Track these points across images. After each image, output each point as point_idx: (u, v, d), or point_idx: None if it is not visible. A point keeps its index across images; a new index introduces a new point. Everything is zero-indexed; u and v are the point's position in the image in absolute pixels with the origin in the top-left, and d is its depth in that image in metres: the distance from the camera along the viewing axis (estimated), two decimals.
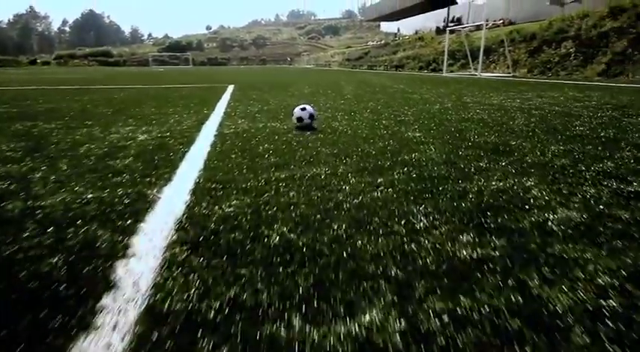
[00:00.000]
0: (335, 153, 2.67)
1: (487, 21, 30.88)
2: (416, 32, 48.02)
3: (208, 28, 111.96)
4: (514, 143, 2.92)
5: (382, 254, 1.26)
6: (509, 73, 15.20)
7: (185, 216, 1.57)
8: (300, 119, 3.81)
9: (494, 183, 1.97)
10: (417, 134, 3.33)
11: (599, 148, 2.71)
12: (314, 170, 2.24)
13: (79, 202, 1.74)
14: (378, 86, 9.85)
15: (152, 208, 1.67)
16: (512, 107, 5.16)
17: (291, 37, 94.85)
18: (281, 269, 1.18)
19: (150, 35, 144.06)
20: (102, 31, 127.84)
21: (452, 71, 19.80)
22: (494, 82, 10.89)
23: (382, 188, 1.91)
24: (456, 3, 35.56)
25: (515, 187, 1.90)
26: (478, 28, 28.32)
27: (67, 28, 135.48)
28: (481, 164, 2.34)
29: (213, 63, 76.56)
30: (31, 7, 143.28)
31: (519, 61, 15.69)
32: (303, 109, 3.86)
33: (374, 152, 2.69)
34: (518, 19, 30.25)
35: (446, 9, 38.74)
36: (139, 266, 1.19)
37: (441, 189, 1.89)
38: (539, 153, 2.61)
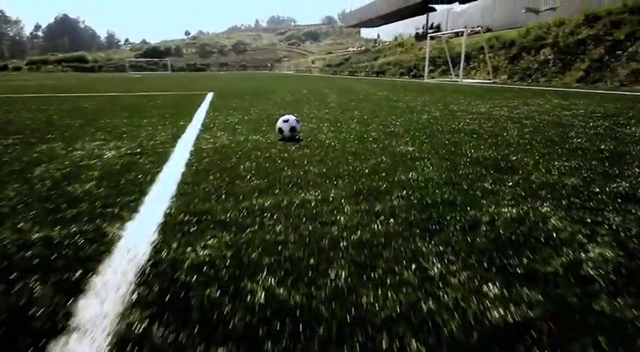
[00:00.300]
0: (324, 172, 2.43)
1: (465, 27, 31.43)
2: (395, 38, 48.53)
3: (187, 33, 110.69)
4: (514, 158, 2.73)
5: (395, 317, 1.01)
6: (490, 80, 15.32)
7: (150, 264, 1.29)
8: (283, 131, 3.58)
9: (505, 209, 1.76)
10: (410, 148, 3.12)
11: (606, 164, 2.54)
12: (302, 195, 1.98)
13: (18, 245, 1.44)
14: (362, 93, 9.68)
15: (110, 252, 1.38)
16: (501, 116, 5.03)
17: (271, 42, 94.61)
18: (269, 346, 0.91)
19: (127, 40, 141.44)
20: (77, 36, 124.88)
21: (433, 77, 19.89)
22: (478, 89, 10.87)
23: (382, 218, 1.67)
24: (435, 10, 36.03)
25: (530, 215, 1.69)
26: (457, 34, 28.75)
27: (40, 33, 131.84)
28: (486, 185, 2.13)
29: (192, 69, 75.64)
30: (1, 11, 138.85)
31: (499, 68, 15.85)
32: (287, 121, 3.62)
33: (366, 170, 2.45)
34: (495, 27, 30.82)
35: (424, 16, 39.28)
36: (81, 349, 0.91)
37: (448, 218, 1.66)
38: (544, 170, 2.42)
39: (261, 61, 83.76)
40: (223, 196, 1.96)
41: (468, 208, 1.78)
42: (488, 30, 29.15)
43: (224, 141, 3.50)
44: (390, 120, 4.81)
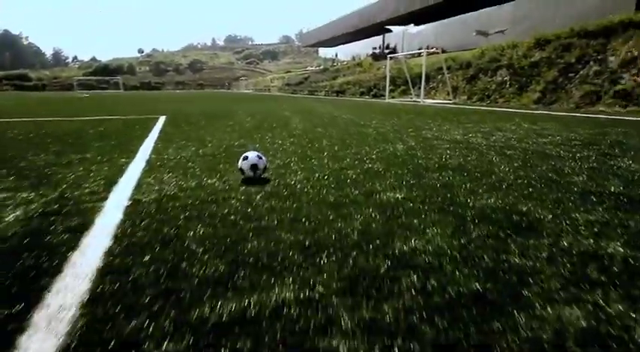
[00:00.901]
0: (301, 240, 1.85)
1: (420, 48, 32.31)
2: (353, 58, 49.37)
3: (140, 51, 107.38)
4: (525, 209, 2.29)
5: None
6: (451, 100, 15.48)
7: None
8: (244, 171, 3.06)
9: (565, 309, 1.26)
10: (399, 195, 2.61)
11: (637, 218, 2.14)
12: (276, 291, 1.39)
13: None
14: (326, 116, 9.24)
15: None
16: (481, 145, 4.69)
17: (228, 61, 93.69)
18: None
19: (75, 58, 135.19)
20: (19, 52, 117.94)
21: (393, 97, 19.99)
22: (441, 111, 10.77)
23: (399, 342, 1.11)
24: (391, 31, 36.94)
25: (599, 318, 1.20)
26: (414, 55, 29.47)
27: None
28: (514, 258, 1.64)
29: (146, 87, 73.13)
30: None
31: (458, 88, 16.08)
32: (246, 158, 3.08)
33: (354, 235, 1.91)
34: (448, 48, 31.99)
35: (381, 36, 40.25)
36: None
37: (488, 335, 1.13)
38: (570, 228, 1.98)
39: (219, 79, 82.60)
40: (159, 303, 1.33)
41: (510, 309, 1.26)
42: (443, 51, 30.17)
43: (172, 188, 2.85)
44: (365, 152, 4.33)
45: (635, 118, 7.91)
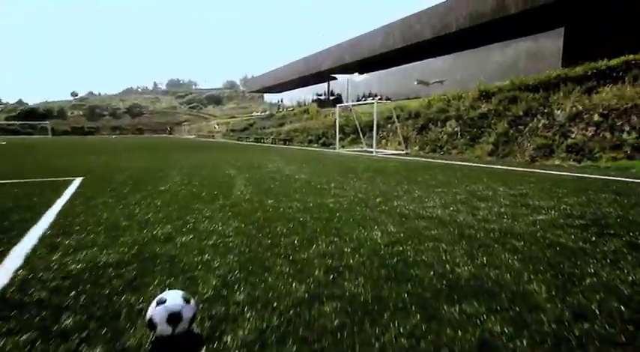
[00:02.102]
0: None
1: (364, 95, 32.94)
2: (299, 104, 49.69)
3: (74, 94, 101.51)
4: None
5: None
6: (403, 151, 15.11)
7: None
8: (156, 325, 1.84)
9: None
10: None
11: None
12: None
13: None
14: (277, 176, 8.10)
15: None
16: (475, 228, 3.76)
17: (170, 105, 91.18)
18: None
19: None
20: None
21: (343, 146, 19.47)
22: (401, 166, 10.09)
23: None
24: (336, 78, 37.62)
25: None
26: (361, 102, 29.83)
27: None
28: None
29: (78, 132, 68.53)
30: None
31: (409, 138, 15.83)
32: (163, 302, 1.87)
33: None
34: (392, 96, 32.94)
35: (326, 83, 40.90)
36: None
37: None
38: None
39: (160, 124, 79.70)
40: None
41: None
42: (388, 99, 30.90)
43: None
44: (336, 248, 3.20)
45: (602, 177, 7.60)
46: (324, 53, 37.49)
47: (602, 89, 11.64)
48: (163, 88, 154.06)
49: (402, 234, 3.64)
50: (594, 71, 12.45)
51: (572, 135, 10.35)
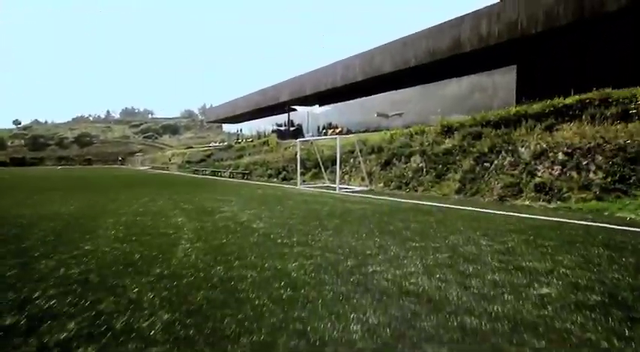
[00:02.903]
0: None
1: (325, 127, 32.69)
2: (259, 135, 48.90)
3: (17, 122, 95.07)
4: None
5: None
6: (367, 187, 14.52)
7: None
8: None
9: None
10: None
11: None
12: None
13: None
14: (232, 226, 7.08)
15: None
16: (470, 311, 2.97)
17: (124, 135, 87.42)
18: None
19: None
20: None
21: (304, 181, 18.69)
22: (370, 208, 9.38)
23: None
24: (295, 110, 37.28)
25: None
26: (321, 134, 29.49)
27: None
28: None
29: (18, 163, 63.63)
30: None
31: (373, 174, 15.31)
32: None
33: None
34: (352, 128, 33.00)
35: (286, 114, 40.51)
36: None
37: None
38: None
39: (111, 154, 75.92)
40: None
41: None
42: (349, 131, 30.78)
43: None
44: None
45: (580, 222, 7.22)
46: (283, 84, 37.31)
47: (562, 126, 11.71)
48: (117, 116, 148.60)
49: (387, 330, 2.78)
50: (552, 109, 12.60)
51: (539, 174, 10.15)
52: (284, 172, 21.06)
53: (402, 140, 15.65)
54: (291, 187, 16.02)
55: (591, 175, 9.18)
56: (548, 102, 13.13)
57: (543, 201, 9.38)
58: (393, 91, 28.91)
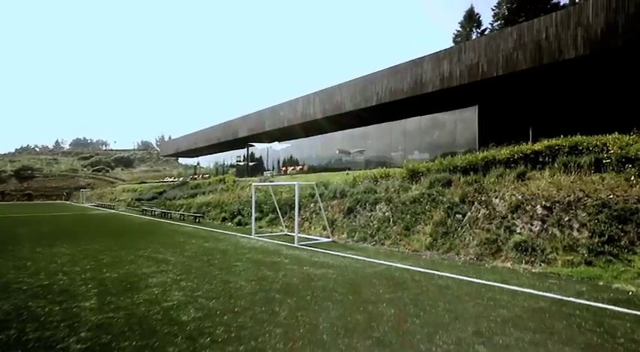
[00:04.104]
0: None
1: (285, 162, 31.42)
2: (217, 170, 46.93)
3: None
4: None
5: None
6: (329, 237, 13.13)
7: None
8: None
9: None
10: None
11: None
12: None
13: None
14: (155, 313, 5.39)
15: None
16: None
17: (71, 168, 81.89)
18: None
19: None
20: None
21: (261, 227, 17.06)
22: (334, 278, 7.94)
23: None
24: (254, 146, 35.95)
25: None
26: (281, 172, 28.13)
27: None
28: None
29: None
30: None
31: (335, 222, 13.98)
32: None
33: None
34: (313, 164, 32.02)
35: (245, 149, 39.01)
36: None
37: None
38: None
39: (56, 189, 70.57)
40: None
41: None
42: (311, 168, 29.67)
43: None
44: None
45: (582, 302, 6.15)
46: (242, 119, 36.04)
47: (534, 174, 11.03)
48: (67, 147, 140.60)
49: None
50: (521, 155, 12.00)
51: (518, 230, 9.20)
52: (239, 216, 19.30)
53: (366, 184, 14.55)
54: (245, 237, 14.33)
55: (575, 234, 8.30)
56: (516, 147, 12.56)
57: (526, 263, 8.37)
58: (356, 129, 28.40)
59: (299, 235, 13.63)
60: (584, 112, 20.09)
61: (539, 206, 9.28)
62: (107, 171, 79.46)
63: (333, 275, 7.84)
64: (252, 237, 14.19)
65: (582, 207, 8.61)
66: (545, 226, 8.86)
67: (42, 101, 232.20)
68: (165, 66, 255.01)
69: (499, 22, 50.32)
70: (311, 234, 14.26)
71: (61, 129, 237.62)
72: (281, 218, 15.84)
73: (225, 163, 45.81)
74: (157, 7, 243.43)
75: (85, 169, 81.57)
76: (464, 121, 21.60)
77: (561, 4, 48.65)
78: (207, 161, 50.48)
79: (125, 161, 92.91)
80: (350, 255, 10.14)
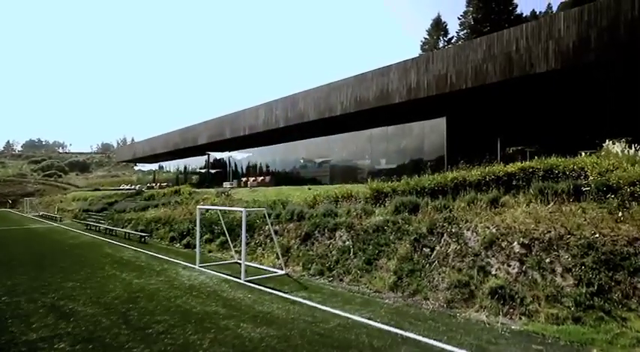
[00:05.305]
0: None
1: (247, 178, 29.60)
2: (177, 178, 44.39)
3: None
4: None
5: None
6: (282, 270, 11.59)
7: None
8: None
9: None
10: None
11: None
12: None
13: None
14: None
15: None
16: None
17: (20, 172, 76.26)
18: None
19: None
20: None
21: (211, 251, 15.30)
22: (271, 341, 6.40)
23: None
24: (214, 155, 33.95)
25: None
26: (244, 185, 26.28)
27: None
28: None
29: None
30: None
31: (291, 249, 12.46)
32: None
33: None
34: (280, 170, 30.55)
35: (206, 156, 36.90)
36: None
37: None
38: None
39: (0, 195, 65.36)
40: None
41: None
42: (275, 176, 28.02)
43: None
44: None
45: None
46: (202, 125, 34.00)
47: (507, 200, 9.96)
48: (19, 148, 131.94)
49: None
50: (493, 177, 10.96)
51: (493, 271, 8.01)
52: (188, 237, 17.42)
53: (327, 206, 13.13)
54: (187, 268, 12.55)
55: (559, 280, 7.16)
56: (487, 168, 11.53)
57: (504, 315, 7.15)
58: (321, 137, 27.08)
59: (249, 264, 12.02)
60: (554, 126, 19.55)
61: (516, 243, 8.13)
62: (60, 176, 74.49)
63: (273, 339, 6.31)
64: (195, 267, 12.43)
65: (565, 246, 7.50)
66: (523, 268, 7.70)
67: None
68: (135, 63, 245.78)
69: (465, 31, 50.60)
70: (264, 263, 12.67)
71: (14, 129, 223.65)
72: (231, 245, 14.16)
73: (190, 169, 43.42)
74: (128, 2, 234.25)
75: (35, 174, 76.17)
76: (432, 128, 20.67)
77: (523, 15, 49.53)
78: (171, 165, 47.77)
79: (81, 165, 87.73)
80: (301, 300, 8.63)
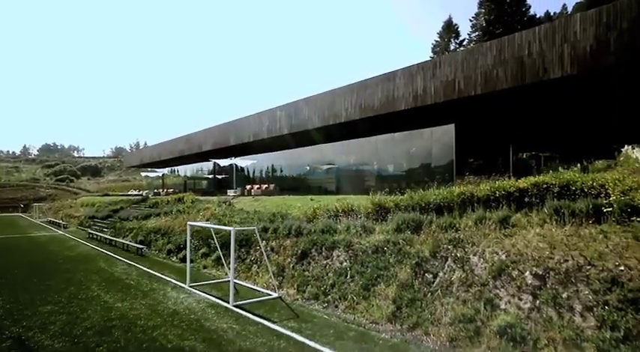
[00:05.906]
0: None
1: (251, 186, 28.99)
2: (184, 184, 44.12)
3: None
4: None
5: None
6: (275, 292, 10.85)
7: None
8: None
9: None
10: None
11: None
12: None
13: None
14: None
15: None
16: None
17: (33, 177, 77.18)
18: None
19: None
20: None
21: (205, 266, 14.65)
22: None
23: None
24: (218, 162, 33.47)
25: None
26: (244, 193, 25.67)
27: None
28: None
29: None
30: None
31: (285, 269, 11.71)
32: None
33: None
34: (287, 175, 29.95)
35: (212, 162, 36.51)
36: None
37: None
38: None
39: (14, 200, 66.15)
40: None
41: None
42: (279, 184, 27.36)
43: None
44: None
45: None
46: (207, 132, 33.58)
47: (518, 219, 9.06)
48: (35, 152, 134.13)
49: None
50: (503, 193, 10.06)
51: (502, 305, 7.13)
52: (184, 251, 16.80)
53: (326, 222, 12.36)
54: (176, 288, 11.89)
55: (578, 319, 6.27)
56: (497, 183, 10.64)
57: None
58: (326, 144, 26.34)
59: (242, 284, 11.32)
60: (568, 131, 18.45)
61: (528, 273, 7.24)
62: (71, 180, 75.15)
63: None
64: (185, 286, 11.77)
65: (585, 280, 6.60)
66: (537, 303, 6.82)
67: (11, 104, 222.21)
68: (150, 67, 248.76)
69: (477, 33, 49.43)
70: (258, 282, 11.95)
71: (31, 133, 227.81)
72: (224, 261, 13.48)
73: (198, 174, 43.10)
74: (137, 6, 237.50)
75: (48, 179, 77.01)
76: (441, 134, 19.73)
77: (537, 16, 48.13)
78: (180, 170, 47.55)
79: (93, 170, 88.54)
80: (290, 332, 7.86)
